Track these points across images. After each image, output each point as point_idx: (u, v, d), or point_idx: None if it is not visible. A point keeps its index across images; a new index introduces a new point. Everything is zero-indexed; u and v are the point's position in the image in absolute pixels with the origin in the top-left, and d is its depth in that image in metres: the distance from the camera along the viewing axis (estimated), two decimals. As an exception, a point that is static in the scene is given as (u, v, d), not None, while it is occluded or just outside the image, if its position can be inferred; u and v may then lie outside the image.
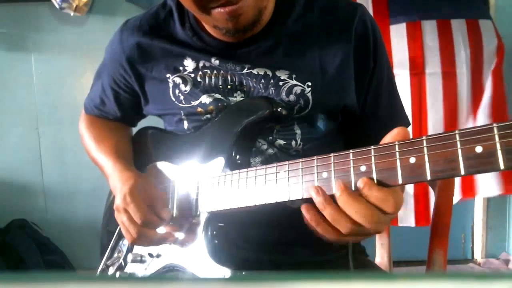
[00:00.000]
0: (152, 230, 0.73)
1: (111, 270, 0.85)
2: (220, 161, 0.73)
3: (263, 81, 0.77)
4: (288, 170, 0.60)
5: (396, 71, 1.92)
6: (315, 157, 0.58)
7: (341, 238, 0.55)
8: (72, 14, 1.93)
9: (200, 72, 0.80)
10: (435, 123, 1.95)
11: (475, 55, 1.95)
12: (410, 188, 2.00)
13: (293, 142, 0.79)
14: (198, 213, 0.73)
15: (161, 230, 0.75)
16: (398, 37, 1.97)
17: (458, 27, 1.95)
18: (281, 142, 0.79)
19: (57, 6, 1.91)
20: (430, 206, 2.01)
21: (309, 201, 0.56)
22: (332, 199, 0.54)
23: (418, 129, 1.97)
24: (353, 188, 0.53)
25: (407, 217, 2.01)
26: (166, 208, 0.76)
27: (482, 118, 1.93)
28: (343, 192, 0.52)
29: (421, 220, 2.01)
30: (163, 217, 0.73)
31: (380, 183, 0.51)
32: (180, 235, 0.75)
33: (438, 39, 1.95)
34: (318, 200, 0.54)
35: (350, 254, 0.78)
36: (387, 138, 0.52)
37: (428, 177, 0.47)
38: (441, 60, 1.95)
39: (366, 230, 0.53)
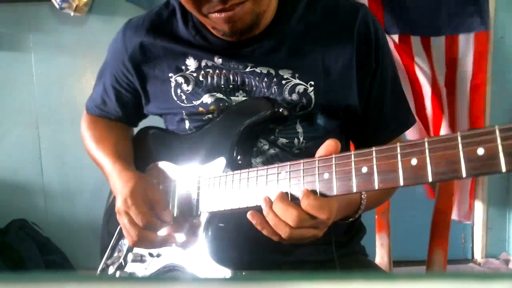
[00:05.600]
0: (153, 232, 0.73)
1: (111, 270, 0.84)
2: (221, 161, 0.73)
3: (266, 79, 0.77)
4: (290, 171, 0.60)
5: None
6: (316, 158, 0.58)
7: (284, 240, 0.61)
8: (72, 14, 1.93)
9: (203, 72, 0.80)
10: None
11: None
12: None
13: (296, 141, 0.79)
14: (198, 213, 0.73)
15: (162, 231, 0.75)
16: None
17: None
18: (284, 140, 0.79)
19: (57, 6, 1.90)
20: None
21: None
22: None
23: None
24: (355, 190, 0.53)
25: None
26: (167, 210, 0.75)
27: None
28: (277, 200, 0.60)
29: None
30: (164, 219, 0.73)
31: (381, 185, 0.51)
32: (180, 236, 0.75)
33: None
34: (264, 207, 0.61)
35: (335, 255, 0.80)
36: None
37: (430, 179, 0.47)
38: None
39: (306, 234, 0.60)
